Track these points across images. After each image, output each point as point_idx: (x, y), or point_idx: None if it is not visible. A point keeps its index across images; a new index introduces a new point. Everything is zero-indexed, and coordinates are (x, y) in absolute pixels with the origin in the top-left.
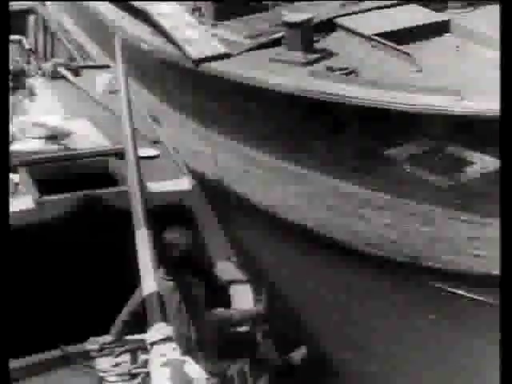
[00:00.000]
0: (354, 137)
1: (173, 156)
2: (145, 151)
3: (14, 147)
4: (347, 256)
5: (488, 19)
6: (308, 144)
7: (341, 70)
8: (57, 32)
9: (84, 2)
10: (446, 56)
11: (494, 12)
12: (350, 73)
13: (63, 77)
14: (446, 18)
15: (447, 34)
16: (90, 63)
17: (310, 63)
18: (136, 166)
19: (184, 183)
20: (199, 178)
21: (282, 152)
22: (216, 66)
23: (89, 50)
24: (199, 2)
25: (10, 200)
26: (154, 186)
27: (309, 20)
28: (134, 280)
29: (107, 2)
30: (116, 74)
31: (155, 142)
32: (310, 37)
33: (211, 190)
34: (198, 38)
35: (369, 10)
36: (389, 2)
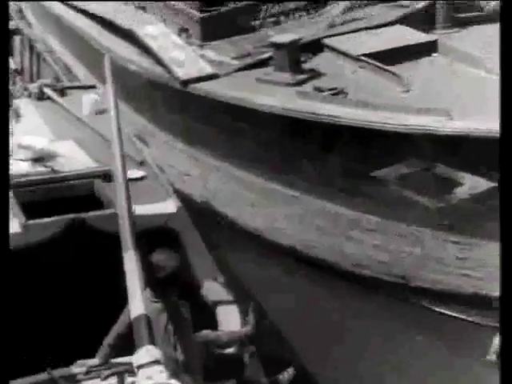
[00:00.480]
0: (343, 157)
1: (159, 178)
2: (131, 173)
3: None
4: (336, 277)
5: (475, 39)
6: (296, 165)
7: (329, 90)
8: (43, 53)
9: (71, 23)
10: (434, 76)
11: (480, 32)
12: (338, 93)
13: (49, 98)
14: (434, 39)
15: (435, 54)
16: (76, 84)
17: (298, 84)
18: (125, 189)
19: (170, 205)
20: (187, 199)
21: (271, 173)
22: (204, 87)
23: (75, 71)
24: (186, 23)
25: None
26: (140, 209)
27: (296, 41)
28: (121, 302)
29: (94, 23)
30: (105, 95)
31: (141, 164)
32: (297, 57)
33: (199, 210)
34: (185, 58)
35: (356, 30)
36: (376, 23)
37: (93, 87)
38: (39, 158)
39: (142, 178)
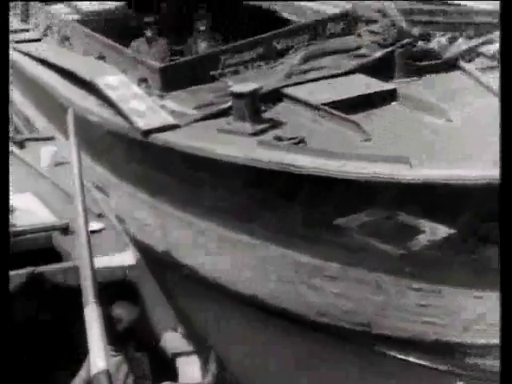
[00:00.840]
0: (305, 206)
1: (118, 229)
2: (90, 225)
3: None
4: (298, 326)
5: (434, 88)
6: (258, 214)
7: (289, 139)
8: None
9: (32, 74)
10: (393, 125)
11: (439, 81)
12: (299, 142)
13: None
14: (393, 87)
15: (394, 103)
16: (35, 135)
17: (258, 133)
18: (86, 242)
19: (129, 257)
20: (148, 249)
21: (232, 222)
22: (164, 137)
23: (35, 122)
24: (146, 73)
25: None
26: (99, 261)
27: (256, 90)
28: (81, 356)
29: (55, 74)
30: (68, 148)
31: (100, 215)
32: (257, 107)
33: (160, 261)
34: (145, 109)
35: (315, 79)
36: (335, 72)
37: (51, 139)
38: None
39: (100, 230)
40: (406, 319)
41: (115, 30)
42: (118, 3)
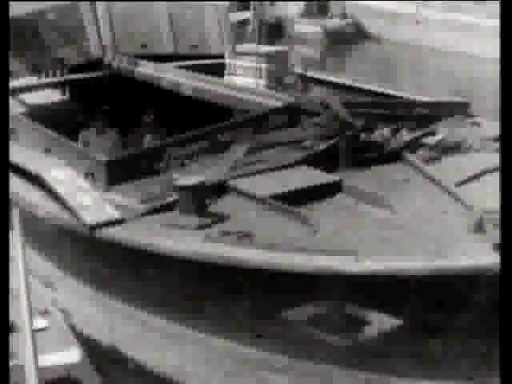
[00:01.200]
0: (251, 299)
1: (63, 326)
2: (35, 322)
3: None
4: None
5: (378, 179)
6: (205, 308)
7: (235, 233)
8: None
9: None
10: (339, 217)
11: (382, 172)
12: (245, 236)
13: None
14: (338, 179)
15: (339, 195)
16: None
17: (204, 227)
18: (31, 341)
19: (72, 355)
20: (93, 345)
21: (179, 316)
22: (110, 232)
23: None
24: (92, 166)
25: None
26: (44, 360)
27: (201, 183)
28: None
29: None
30: (13, 245)
31: (45, 312)
32: (202, 200)
33: (106, 356)
34: (92, 203)
35: (261, 172)
36: (280, 165)
37: None
38: None
39: (45, 328)
40: None
41: (61, 122)
42: (63, 97)
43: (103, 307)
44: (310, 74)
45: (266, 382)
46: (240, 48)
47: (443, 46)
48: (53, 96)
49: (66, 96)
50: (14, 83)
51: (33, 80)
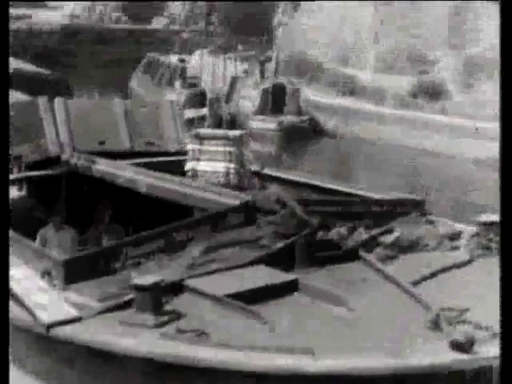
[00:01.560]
0: None
1: None
2: None
3: None
4: None
5: (335, 278)
6: None
7: (191, 331)
8: None
9: None
10: (295, 315)
11: (340, 271)
12: (201, 334)
13: None
14: (294, 278)
15: (296, 294)
16: None
17: (160, 325)
18: None
19: None
20: None
21: None
22: (67, 330)
23: None
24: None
25: None
26: None
27: (157, 283)
28: None
29: None
30: None
31: None
32: (159, 299)
33: None
34: (48, 302)
35: (217, 271)
36: (236, 263)
37: None
38: None
39: None
40: None
41: (19, 219)
42: (20, 193)
43: None
44: (266, 171)
45: None
46: (204, 132)
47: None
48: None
49: (23, 192)
50: None
51: None
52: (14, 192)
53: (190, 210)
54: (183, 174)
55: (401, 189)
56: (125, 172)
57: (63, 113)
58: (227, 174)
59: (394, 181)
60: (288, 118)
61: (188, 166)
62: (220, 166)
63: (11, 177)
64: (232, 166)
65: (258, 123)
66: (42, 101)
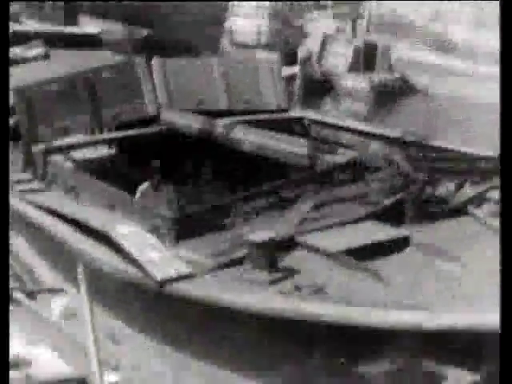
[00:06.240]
0: (325, 354)
1: (133, 381)
2: (106, 377)
3: None
4: None
5: (445, 233)
6: (278, 363)
7: (307, 288)
8: None
9: (38, 223)
10: (409, 271)
11: (448, 226)
12: (317, 291)
13: (17, 301)
14: (406, 234)
15: (407, 250)
16: (44, 287)
17: (275, 282)
18: None
19: None
20: None
21: (251, 372)
22: (181, 288)
23: (41, 273)
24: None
25: None
26: None
27: (272, 239)
28: None
29: (64, 224)
30: (79, 301)
31: (115, 367)
32: (273, 255)
33: None
34: (160, 259)
35: (328, 227)
36: (347, 219)
37: (61, 291)
38: (14, 364)
39: (117, 382)
40: None
41: (112, 178)
42: (110, 151)
43: (171, 363)
44: (365, 128)
45: None
46: None
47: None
48: (100, 151)
49: (115, 151)
50: (66, 140)
51: (86, 138)
52: (105, 151)
53: (294, 169)
54: (283, 131)
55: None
56: (223, 129)
57: (161, 72)
58: None
59: (487, 139)
60: (379, 76)
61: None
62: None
63: (107, 136)
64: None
65: (349, 81)
66: (138, 60)
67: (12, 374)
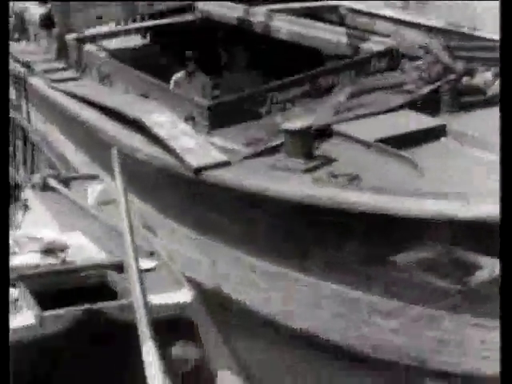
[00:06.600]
0: (360, 243)
1: (170, 267)
2: (142, 263)
3: (12, 262)
4: (353, 362)
5: (482, 123)
6: (312, 251)
7: (343, 176)
8: (38, 143)
9: (75, 113)
10: (445, 160)
11: (485, 116)
12: (353, 179)
13: (53, 188)
14: (442, 123)
15: (444, 139)
16: (80, 174)
17: (311, 170)
18: (139, 279)
19: (183, 295)
20: (197, 288)
21: (285, 259)
22: (217, 175)
23: (75, 161)
24: (192, 110)
25: (10, 316)
26: (153, 299)
27: (308, 127)
28: None
29: (97, 112)
30: (114, 187)
31: (151, 254)
32: (310, 144)
33: (210, 299)
34: (195, 146)
35: (364, 116)
36: (383, 109)
37: (96, 177)
38: (49, 250)
39: (153, 268)
40: (463, 355)
41: (145, 66)
42: (143, 41)
43: (206, 250)
44: (404, 17)
45: (373, 325)
46: None
47: None
48: (132, 40)
49: (147, 40)
50: (99, 29)
51: (119, 27)
52: (137, 40)
53: (331, 58)
54: (319, 19)
55: None
56: (261, 18)
57: None
58: None
59: None
60: None
61: None
62: None
63: (140, 25)
64: None
65: None
66: None
67: (48, 259)
